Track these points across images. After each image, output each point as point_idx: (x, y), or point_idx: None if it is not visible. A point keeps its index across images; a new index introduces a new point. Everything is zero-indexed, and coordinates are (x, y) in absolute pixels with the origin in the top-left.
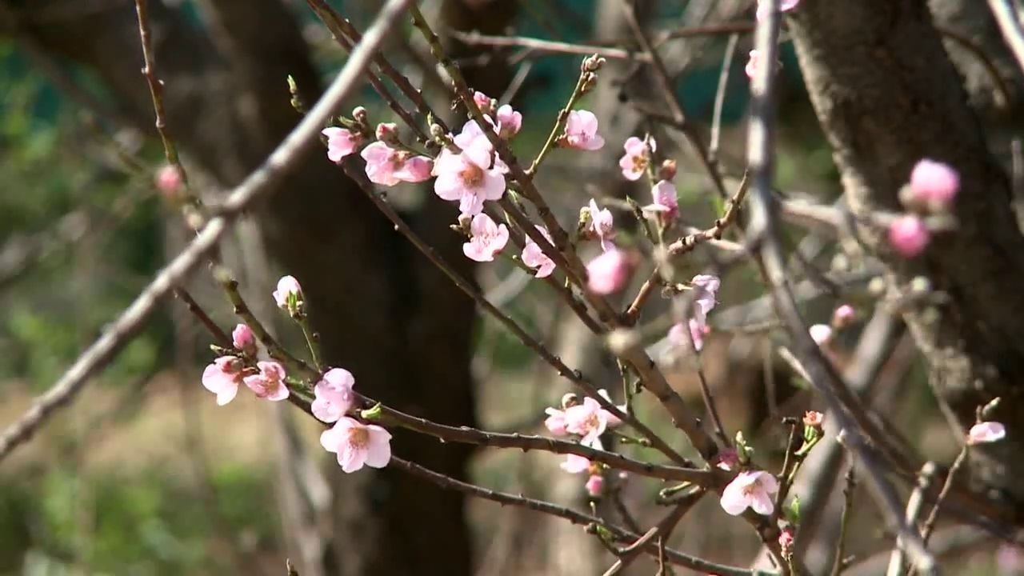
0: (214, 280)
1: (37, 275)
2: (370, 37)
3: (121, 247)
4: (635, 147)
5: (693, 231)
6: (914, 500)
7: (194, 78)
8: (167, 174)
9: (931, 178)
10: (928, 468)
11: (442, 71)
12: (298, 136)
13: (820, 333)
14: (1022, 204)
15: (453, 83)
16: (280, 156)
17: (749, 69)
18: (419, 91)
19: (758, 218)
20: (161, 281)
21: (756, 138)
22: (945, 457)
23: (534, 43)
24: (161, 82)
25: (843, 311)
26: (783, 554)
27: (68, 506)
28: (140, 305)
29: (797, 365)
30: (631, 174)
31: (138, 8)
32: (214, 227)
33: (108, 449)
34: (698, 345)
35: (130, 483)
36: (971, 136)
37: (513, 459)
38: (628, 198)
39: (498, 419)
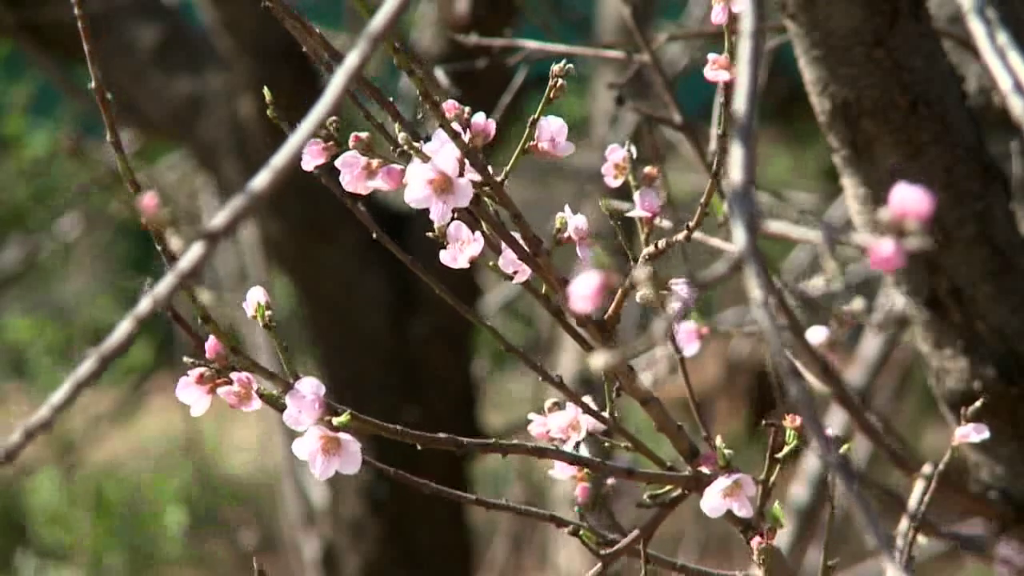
0: (207, 281)
1: (36, 275)
2: (352, 59)
3: (120, 247)
4: (616, 154)
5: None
6: (911, 502)
7: (194, 78)
8: (148, 198)
9: (907, 199)
10: (927, 469)
11: (440, 73)
12: (280, 158)
13: (819, 334)
14: (1021, 204)
15: (419, 92)
16: (262, 179)
17: (707, 72)
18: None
19: (738, 238)
20: (144, 304)
21: (736, 158)
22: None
23: (532, 44)
24: (109, 96)
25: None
26: (755, 557)
27: (66, 505)
28: (123, 329)
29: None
30: (612, 181)
31: (79, 24)
32: (196, 250)
33: (107, 448)
34: (695, 347)
35: (130, 483)
36: (970, 137)
37: (513, 459)
38: (602, 202)
39: (498, 419)
